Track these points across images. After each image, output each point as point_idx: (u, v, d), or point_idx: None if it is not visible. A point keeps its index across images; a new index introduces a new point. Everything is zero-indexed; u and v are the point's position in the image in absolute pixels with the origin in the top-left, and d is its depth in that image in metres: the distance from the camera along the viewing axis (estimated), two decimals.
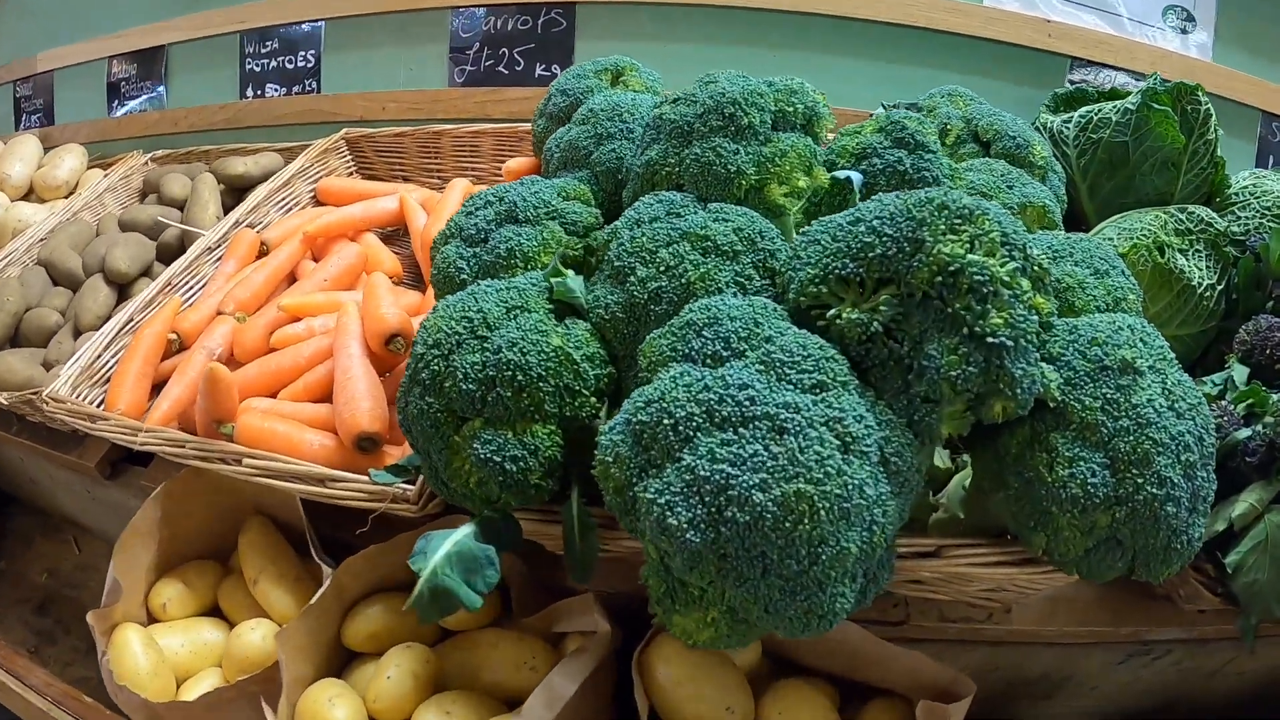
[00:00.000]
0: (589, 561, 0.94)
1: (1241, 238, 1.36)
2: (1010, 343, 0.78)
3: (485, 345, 0.91)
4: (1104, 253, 1.09)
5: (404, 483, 1.09)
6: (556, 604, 1.06)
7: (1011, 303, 0.79)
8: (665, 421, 0.77)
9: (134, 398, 1.30)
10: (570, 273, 0.97)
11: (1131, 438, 0.85)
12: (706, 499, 0.74)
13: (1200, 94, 1.38)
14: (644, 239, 0.92)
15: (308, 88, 1.77)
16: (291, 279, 1.41)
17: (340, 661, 1.16)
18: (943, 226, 0.80)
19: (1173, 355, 0.95)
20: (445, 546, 0.91)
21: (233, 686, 1.11)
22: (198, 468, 1.20)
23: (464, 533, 0.92)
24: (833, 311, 0.81)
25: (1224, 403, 1.11)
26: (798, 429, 0.74)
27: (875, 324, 0.80)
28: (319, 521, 1.22)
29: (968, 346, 0.77)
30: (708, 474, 0.74)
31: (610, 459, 0.81)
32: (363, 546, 1.11)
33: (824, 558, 0.74)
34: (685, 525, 0.74)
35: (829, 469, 0.73)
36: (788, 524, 0.72)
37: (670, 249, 0.91)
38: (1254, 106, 1.58)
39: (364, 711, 1.06)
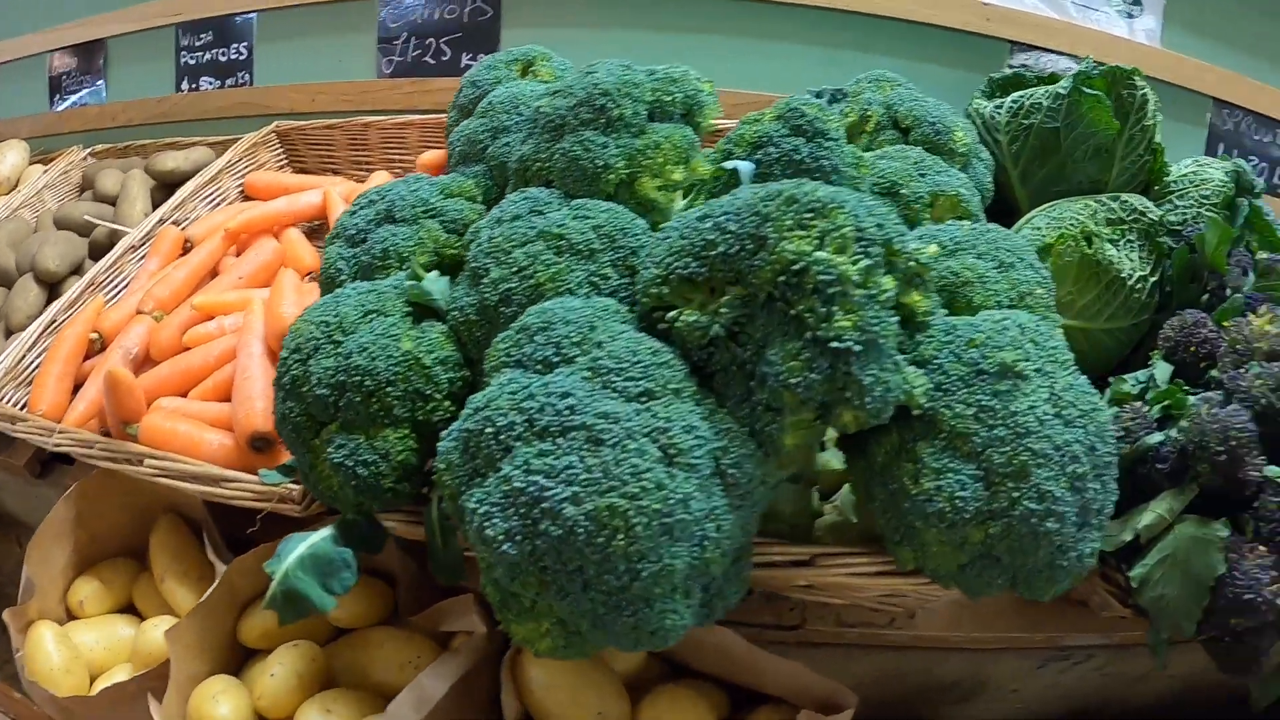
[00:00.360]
0: (453, 564, 0.90)
1: (1179, 228, 1.26)
2: (858, 348, 0.70)
3: (339, 350, 0.87)
4: (1011, 244, 1.00)
5: (292, 482, 1.05)
6: (440, 603, 1.01)
7: (862, 304, 0.71)
8: (488, 430, 0.72)
9: (55, 398, 1.28)
10: (432, 274, 0.92)
11: (1008, 448, 0.78)
12: (522, 511, 0.69)
13: (1137, 78, 1.28)
14: (500, 238, 0.87)
15: (241, 80, 1.73)
16: (215, 276, 1.36)
17: (240, 659, 1.12)
18: (789, 222, 0.73)
19: (1068, 356, 0.87)
20: (299, 550, 0.87)
21: (132, 681, 1.10)
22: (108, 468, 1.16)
23: (321, 536, 0.89)
24: (672, 314, 0.74)
25: (1138, 404, 1.02)
26: (614, 440, 0.68)
27: (716, 327, 0.73)
28: (231, 521, 1.19)
29: (811, 351, 0.70)
30: (523, 485, 0.69)
31: (444, 466, 0.77)
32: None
33: (645, 574, 0.68)
34: (502, 537, 0.70)
35: (646, 483, 0.67)
36: (601, 539, 0.67)
37: (525, 249, 0.85)
38: (1204, 94, 1.47)
39: (250, 708, 1.03)
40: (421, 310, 0.90)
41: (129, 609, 1.26)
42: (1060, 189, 1.30)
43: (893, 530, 0.80)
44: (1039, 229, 1.24)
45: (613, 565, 0.68)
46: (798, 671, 0.93)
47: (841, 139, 1.05)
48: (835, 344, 0.70)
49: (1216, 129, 1.49)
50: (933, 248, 0.97)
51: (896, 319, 0.75)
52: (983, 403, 0.78)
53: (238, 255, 1.38)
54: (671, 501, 0.68)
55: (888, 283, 0.75)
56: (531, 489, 0.68)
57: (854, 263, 0.72)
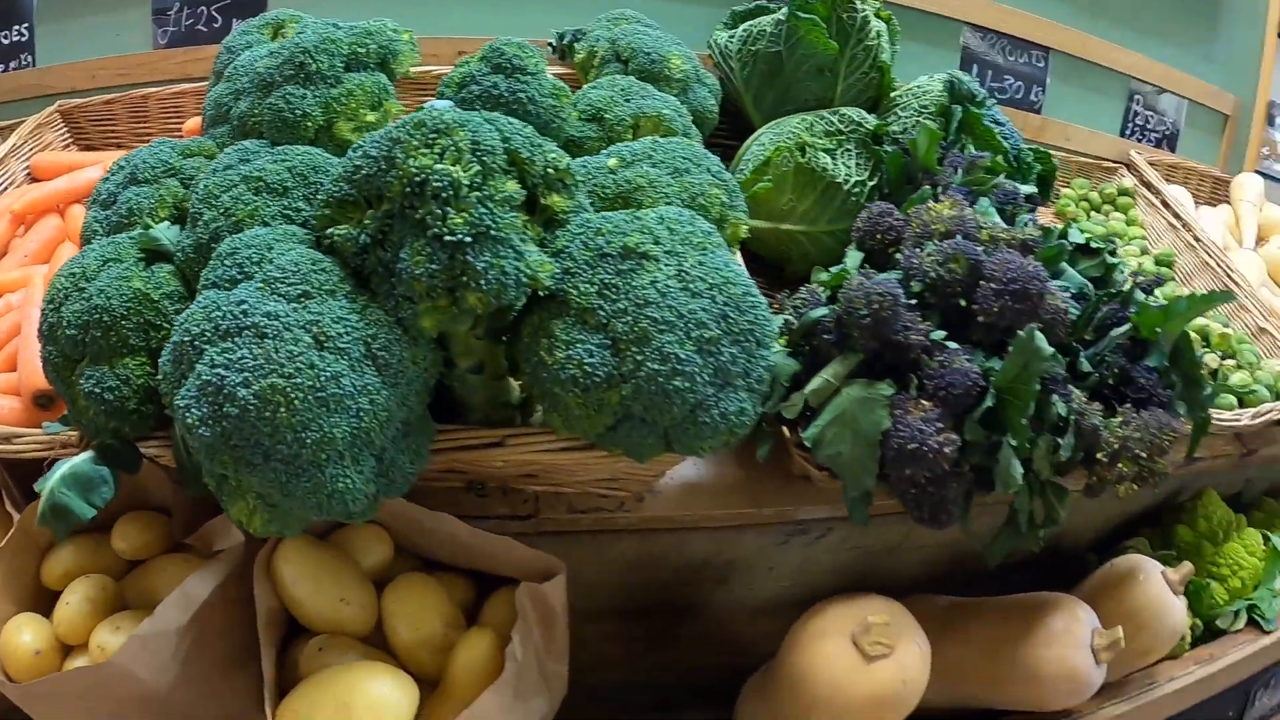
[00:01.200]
0: (198, 473, 1.19)
1: (900, 136, 1.59)
2: (469, 239, 1.01)
3: (83, 295, 1.17)
4: (689, 153, 1.32)
5: (71, 430, 1.35)
6: (209, 523, 1.31)
7: (474, 203, 1.02)
8: (186, 339, 1.03)
9: None
10: (163, 224, 1.22)
11: (629, 318, 1.08)
12: (210, 398, 1.00)
13: (858, 1, 1.60)
14: (213, 186, 1.18)
15: (24, 62, 2.01)
16: (5, 257, 1.66)
17: (50, 601, 1.42)
18: (416, 142, 1.04)
19: (707, 241, 1.16)
20: (63, 469, 1.17)
21: None
22: None
23: (82, 458, 1.19)
24: (330, 230, 1.06)
25: (811, 285, 1.34)
26: (275, 333, 0.99)
27: (363, 237, 1.05)
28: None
29: (432, 247, 1.01)
30: (210, 377, 1.00)
31: (162, 377, 1.07)
32: None
33: (309, 441, 0.99)
34: (198, 422, 1.00)
35: (300, 364, 0.98)
36: (268, 413, 0.98)
37: (230, 193, 1.16)
38: (956, 19, 1.79)
39: (52, 636, 1.32)
40: (156, 255, 1.21)
41: None
42: (789, 108, 1.63)
43: (541, 399, 1.12)
44: (764, 144, 1.58)
45: (281, 435, 0.99)
46: (511, 546, 1.25)
47: (541, 74, 1.37)
48: (449, 237, 1.01)
49: (970, 50, 1.82)
50: (612, 160, 1.30)
51: (515, 214, 1.06)
52: (606, 281, 1.09)
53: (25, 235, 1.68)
54: (324, 378, 0.99)
55: (508, 186, 1.06)
56: (215, 379, 1.00)
57: (466, 170, 1.03)
